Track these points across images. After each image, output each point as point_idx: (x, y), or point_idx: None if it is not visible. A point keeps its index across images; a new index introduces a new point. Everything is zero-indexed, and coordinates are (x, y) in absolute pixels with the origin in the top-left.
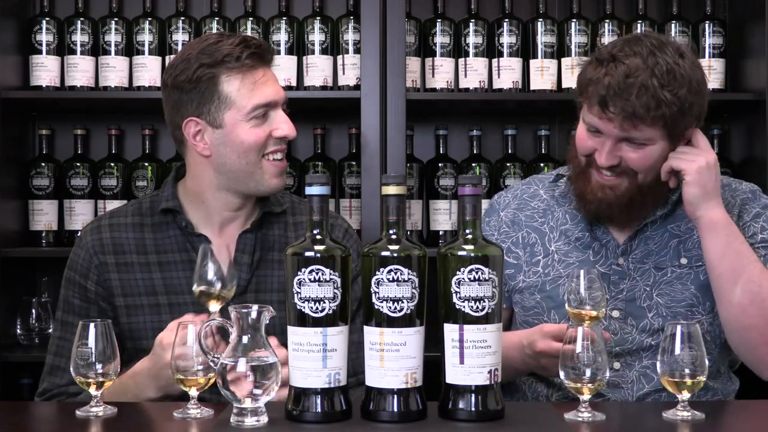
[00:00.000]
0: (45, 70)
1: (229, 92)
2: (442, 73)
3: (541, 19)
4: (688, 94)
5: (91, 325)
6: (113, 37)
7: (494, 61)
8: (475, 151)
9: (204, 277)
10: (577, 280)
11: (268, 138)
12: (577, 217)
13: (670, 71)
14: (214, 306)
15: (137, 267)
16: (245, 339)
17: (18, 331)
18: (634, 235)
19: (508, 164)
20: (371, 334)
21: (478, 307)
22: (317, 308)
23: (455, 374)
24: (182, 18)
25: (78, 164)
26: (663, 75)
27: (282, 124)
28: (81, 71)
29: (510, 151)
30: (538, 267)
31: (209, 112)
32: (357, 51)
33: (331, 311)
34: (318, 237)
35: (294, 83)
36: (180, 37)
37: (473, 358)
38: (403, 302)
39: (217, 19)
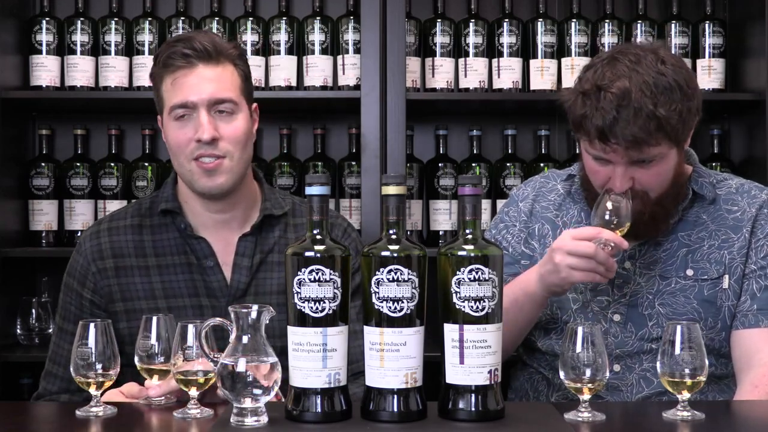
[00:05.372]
0: (45, 70)
1: (162, 92)
2: (442, 73)
3: (541, 19)
4: (682, 102)
5: (91, 325)
6: (113, 37)
7: (494, 61)
8: (475, 151)
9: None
10: (603, 201)
11: (191, 141)
12: (589, 215)
13: (657, 84)
14: None
15: (136, 271)
16: (245, 339)
17: (18, 331)
18: (643, 240)
19: (508, 164)
20: (371, 334)
21: (478, 307)
22: (317, 308)
23: (455, 374)
24: (182, 18)
25: (78, 164)
26: (651, 91)
27: (200, 127)
28: (81, 71)
29: (510, 151)
30: None
31: (159, 111)
32: (357, 51)
33: (331, 311)
34: (318, 237)
35: (294, 83)
36: None
37: (473, 358)
38: (403, 302)
39: (217, 19)
